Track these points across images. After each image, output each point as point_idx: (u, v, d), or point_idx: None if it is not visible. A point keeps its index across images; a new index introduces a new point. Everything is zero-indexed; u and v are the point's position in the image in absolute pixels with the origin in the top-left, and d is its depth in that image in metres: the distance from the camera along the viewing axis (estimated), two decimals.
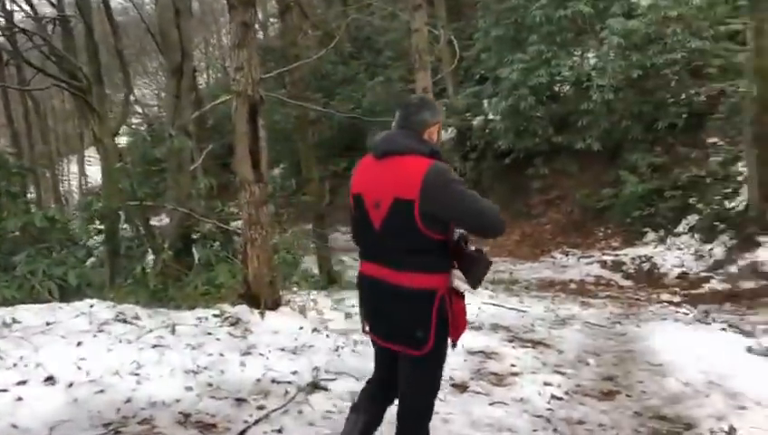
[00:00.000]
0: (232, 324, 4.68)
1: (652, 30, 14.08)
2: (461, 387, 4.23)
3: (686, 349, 5.34)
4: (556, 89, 17.06)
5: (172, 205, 9.87)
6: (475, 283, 2.46)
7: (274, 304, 5.04)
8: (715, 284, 10.89)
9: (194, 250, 9.90)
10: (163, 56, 10.78)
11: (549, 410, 3.86)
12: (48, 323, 4.29)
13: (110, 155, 9.86)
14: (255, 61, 4.82)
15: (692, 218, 13.08)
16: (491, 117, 17.67)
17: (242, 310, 4.86)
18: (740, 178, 12.52)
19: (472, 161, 18.42)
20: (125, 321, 4.48)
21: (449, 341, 2.46)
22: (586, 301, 9.28)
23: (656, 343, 5.69)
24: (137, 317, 4.60)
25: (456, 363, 4.78)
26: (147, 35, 17.52)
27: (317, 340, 4.66)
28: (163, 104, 19.51)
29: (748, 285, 10.24)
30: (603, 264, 13.48)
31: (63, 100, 30.08)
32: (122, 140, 16.58)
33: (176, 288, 8.43)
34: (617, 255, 13.66)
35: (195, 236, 10.00)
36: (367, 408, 2.67)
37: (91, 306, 4.78)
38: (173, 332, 4.26)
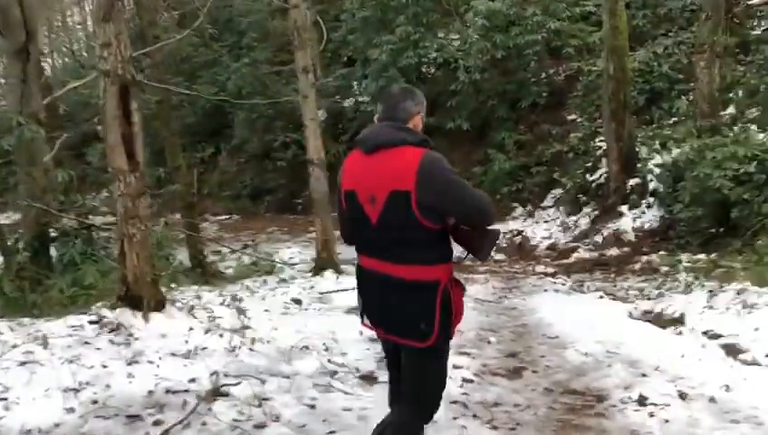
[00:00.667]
0: (112, 331, 4.21)
1: (513, 12, 14.56)
2: (370, 379, 4.07)
3: (577, 320, 5.50)
4: (424, 70, 17.25)
5: (25, 201, 8.93)
6: (486, 256, 2.49)
7: (159, 305, 4.59)
8: (583, 253, 11.46)
9: (52, 249, 9.04)
10: (3, 36, 9.62)
11: (464, 394, 3.79)
12: None
13: None
14: (125, 36, 4.31)
15: (557, 192, 13.71)
16: (361, 99, 17.60)
17: (123, 314, 4.38)
18: (599, 153, 13.25)
19: (345, 144, 18.27)
20: None
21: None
22: (469, 277, 9.43)
23: (546, 315, 5.83)
24: None
25: (358, 352, 4.61)
26: None
27: (210, 341, 4.30)
28: (5, 91, 17.72)
29: (613, 252, 10.87)
30: None
31: None
32: None
33: (37, 293, 7.63)
34: None
35: (54, 234, 9.12)
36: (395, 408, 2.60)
37: None
38: (44, 345, 3.74)
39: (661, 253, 9.60)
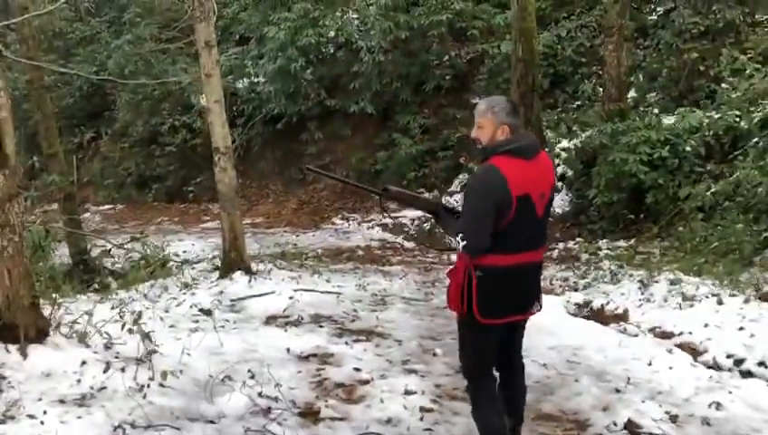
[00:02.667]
0: None
1: None
2: (311, 415, 3.41)
3: None
4: (324, 50, 16.50)
5: None
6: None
7: (40, 334, 3.67)
8: None
9: None
10: None
11: (427, 430, 3.22)
12: None
13: None
14: None
15: (463, 177, 13.44)
16: (256, 80, 16.63)
17: None
18: None
19: (240, 127, 17.23)
20: None
21: None
22: (384, 270, 8.93)
23: None
24: None
25: (291, 377, 3.94)
26: None
27: (109, 378, 3.46)
28: None
29: None
30: (384, 227, 13.37)
31: None
32: None
33: None
34: (396, 217, 13.63)
35: None
36: (504, 387, 2.98)
37: None
38: None
39: (579, 240, 9.47)
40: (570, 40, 13.33)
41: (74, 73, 14.86)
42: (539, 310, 2.90)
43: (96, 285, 8.83)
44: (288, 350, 4.47)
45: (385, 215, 3.84)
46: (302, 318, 5.35)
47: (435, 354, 4.50)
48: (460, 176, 13.51)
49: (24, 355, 3.48)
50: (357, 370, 4.11)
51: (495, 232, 2.62)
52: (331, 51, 16.52)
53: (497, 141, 2.69)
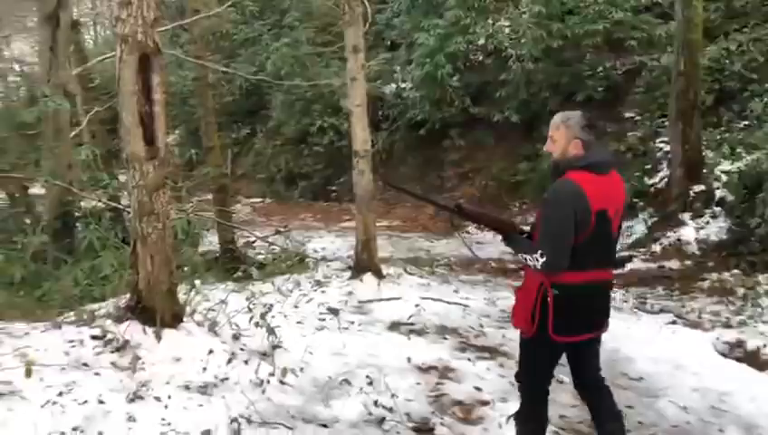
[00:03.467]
0: (117, 350, 3.50)
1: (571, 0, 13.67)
2: (425, 431, 3.31)
3: (659, 356, 4.67)
4: (473, 57, 16.36)
5: (46, 177, 8.37)
6: None
7: (175, 320, 3.86)
8: (639, 263, 10.57)
9: (76, 232, 8.47)
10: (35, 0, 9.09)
11: None
12: None
13: None
14: None
15: None
16: (403, 85, 16.82)
17: (131, 329, 3.65)
18: (659, 155, 12.27)
19: (384, 132, 17.51)
20: None
21: None
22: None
23: (621, 345, 4.98)
24: None
25: (408, 389, 3.85)
26: None
27: (233, 369, 3.57)
28: (38, 60, 17.32)
29: (673, 265, 9.95)
30: None
31: None
32: None
33: (52, 280, 7.05)
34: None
35: (78, 214, 8.55)
36: (595, 413, 3.03)
37: None
38: (28, 373, 3.03)
39: (735, 271, 8.64)
40: (740, 54, 12.22)
41: (235, 73, 15.77)
42: (606, 330, 2.96)
43: (239, 274, 9.25)
44: (409, 359, 4.38)
45: (457, 234, 3.59)
46: (427, 328, 5.26)
47: (561, 382, 4.22)
48: None
49: (159, 338, 3.66)
50: (477, 389, 3.95)
51: (573, 247, 2.62)
52: (480, 58, 16.37)
53: (570, 156, 2.71)
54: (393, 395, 3.64)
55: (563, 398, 3.97)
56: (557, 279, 2.65)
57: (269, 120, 20.02)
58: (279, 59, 18.34)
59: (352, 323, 5.20)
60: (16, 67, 24.56)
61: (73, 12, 11.82)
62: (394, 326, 5.33)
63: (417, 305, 5.79)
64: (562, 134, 2.72)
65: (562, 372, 4.45)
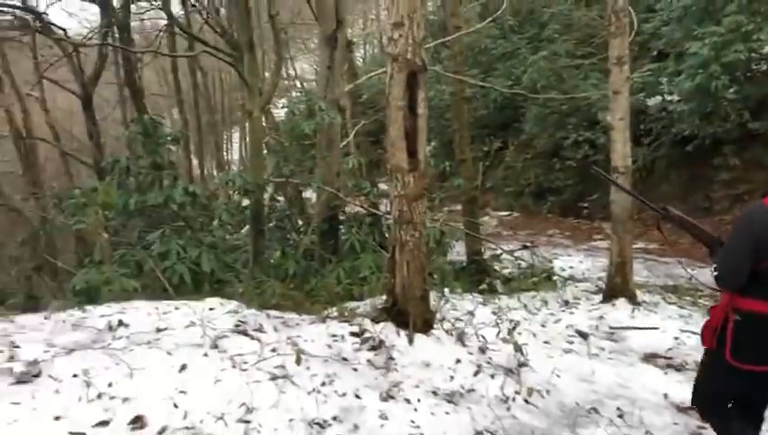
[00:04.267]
0: (373, 348, 3.73)
1: None
2: None
3: None
4: (755, 67, 14.61)
5: (318, 183, 9.25)
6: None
7: (426, 325, 4.01)
8: None
9: (339, 234, 9.25)
10: (318, 24, 10.09)
11: None
12: (158, 330, 3.58)
13: (256, 128, 9.33)
14: (420, 15, 3.75)
15: None
16: (670, 98, 15.60)
17: (386, 330, 3.87)
18: None
19: (644, 147, 16.42)
20: (245, 333, 3.67)
21: None
22: None
23: None
24: (260, 329, 3.78)
25: (662, 426, 3.54)
26: (304, 5, 17.09)
27: (479, 382, 3.59)
28: (317, 77, 19.23)
29: None
30: None
31: (230, 72, 30.75)
32: (282, 113, 16.35)
33: (318, 277, 7.77)
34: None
35: (342, 219, 9.34)
36: None
37: (211, 309, 4.04)
38: (298, 360, 3.36)
39: None
40: None
41: (491, 87, 15.98)
42: None
43: (484, 286, 9.33)
44: (665, 396, 4.03)
45: (662, 235, 3.42)
46: (687, 363, 4.78)
47: None
48: None
49: (411, 341, 3.82)
50: None
51: (756, 273, 2.57)
52: (763, 68, 14.57)
53: None
54: (647, 432, 3.38)
55: None
56: (739, 305, 2.64)
57: (521, 133, 19.95)
58: (536, 72, 18.20)
59: (602, 349, 4.93)
60: (298, 84, 27.62)
61: (348, 33, 12.91)
62: (649, 358, 4.94)
63: (676, 338, 5.30)
64: None
65: None
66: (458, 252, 12.18)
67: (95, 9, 13.97)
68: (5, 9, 13.16)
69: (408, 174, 3.91)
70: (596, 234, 15.84)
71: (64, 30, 13.87)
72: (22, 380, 2.80)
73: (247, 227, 9.79)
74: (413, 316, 3.95)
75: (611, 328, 5.61)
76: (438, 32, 17.26)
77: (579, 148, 17.09)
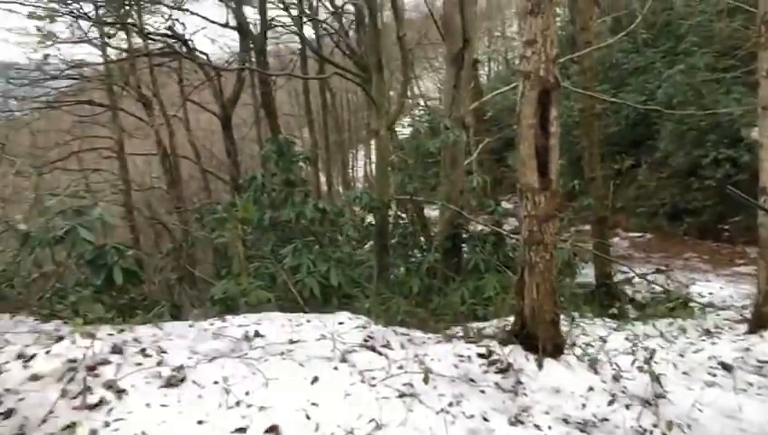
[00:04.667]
0: (501, 371, 3.66)
1: None
2: None
3: None
4: None
5: (441, 201, 9.28)
6: None
7: (556, 350, 3.89)
8: None
9: (462, 252, 9.21)
10: (444, 43, 10.18)
11: None
12: (291, 342, 3.72)
13: (382, 147, 9.51)
14: (553, 32, 3.69)
15: None
16: None
17: (514, 353, 3.79)
18: None
19: None
20: (373, 349, 3.73)
21: None
22: None
23: None
24: (387, 345, 3.82)
25: None
26: (431, 25, 17.32)
27: (613, 412, 3.42)
28: (442, 96, 19.38)
29: None
30: None
31: (356, 92, 31.69)
32: (407, 132, 16.63)
33: (441, 296, 7.78)
34: None
35: (465, 237, 9.30)
36: None
37: (340, 323, 4.14)
38: (426, 379, 3.36)
39: None
40: None
41: (624, 103, 15.38)
42: None
43: (615, 310, 8.97)
44: None
45: None
46: None
47: None
48: None
49: (540, 366, 3.72)
50: None
51: None
52: None
53: None
54: None
55: None
56: None
57: (655, 150, 19.00)
58: (671, 87, 17.33)
59: (750, 384, 4.55)
60: (421, 102, 27.93)
61: (474, 51, 12.91)
62: None
63: None
64: None
65: None
66: (587, 274, 11.76)
67: (235, 35, 14.90)
68: (156, 38, 14.33)
69: (539, 194, 3.83)
70: (738, 258, 14.77)
71: (207, 55, 14.89)
72: (170, 383, 2.99)
73: (371, 242, 9.99)
74: (542, 340, 3.84)
75: (759, 361, 5.17)
76: (567, 47, 16.85)
77: (719, 166, 16.04)
